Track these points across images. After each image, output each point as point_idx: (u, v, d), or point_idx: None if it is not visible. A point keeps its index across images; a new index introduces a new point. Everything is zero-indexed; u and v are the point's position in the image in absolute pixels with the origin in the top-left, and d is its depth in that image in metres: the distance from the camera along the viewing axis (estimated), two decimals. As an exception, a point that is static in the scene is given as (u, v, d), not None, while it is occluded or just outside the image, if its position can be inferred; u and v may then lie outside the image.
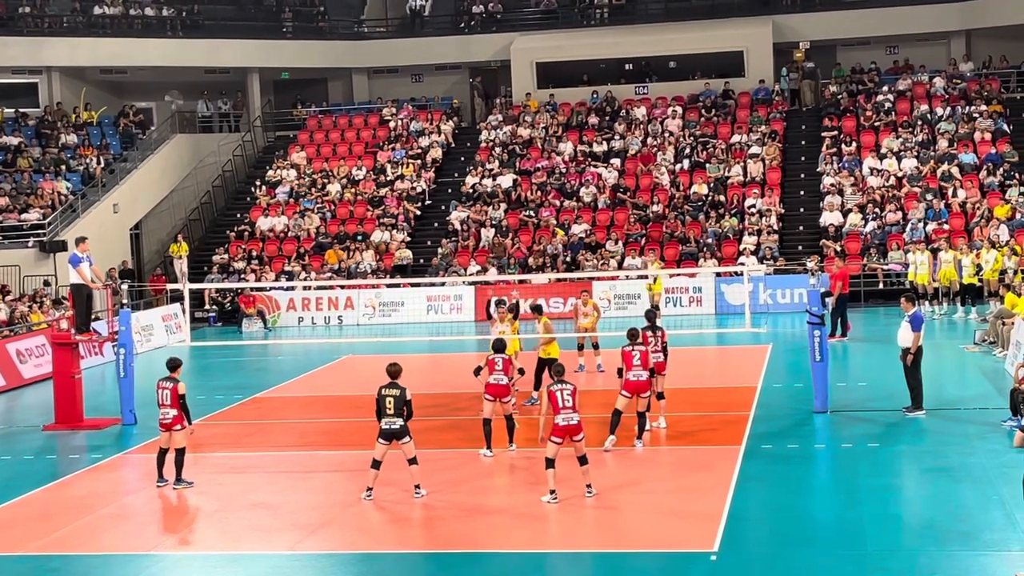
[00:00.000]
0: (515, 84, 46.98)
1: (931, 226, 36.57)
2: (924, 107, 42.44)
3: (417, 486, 16.72)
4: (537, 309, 22.99)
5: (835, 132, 42.08)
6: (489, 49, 48.11)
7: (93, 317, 24.80)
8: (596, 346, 25.57)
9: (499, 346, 19.22)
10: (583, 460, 16.25)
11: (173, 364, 17.94)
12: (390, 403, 16.44)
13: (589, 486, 16.30)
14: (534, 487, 16.97)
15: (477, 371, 19.37)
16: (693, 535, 14.77)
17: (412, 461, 16.62)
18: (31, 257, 37.32)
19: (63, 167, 42.01)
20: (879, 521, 14.91)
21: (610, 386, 20.74)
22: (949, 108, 41.98)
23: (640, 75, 46.96)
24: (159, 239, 44.72)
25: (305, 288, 37.76)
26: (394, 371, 16.69)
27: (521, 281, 36.42)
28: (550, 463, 16.11)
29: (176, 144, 45.79)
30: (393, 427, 16.45)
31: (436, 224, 41.83)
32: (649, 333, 19.68)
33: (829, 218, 38.08)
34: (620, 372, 18.73)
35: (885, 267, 36.04)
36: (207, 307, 38.47)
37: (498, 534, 15.38)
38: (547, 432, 16.43)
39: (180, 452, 17.73)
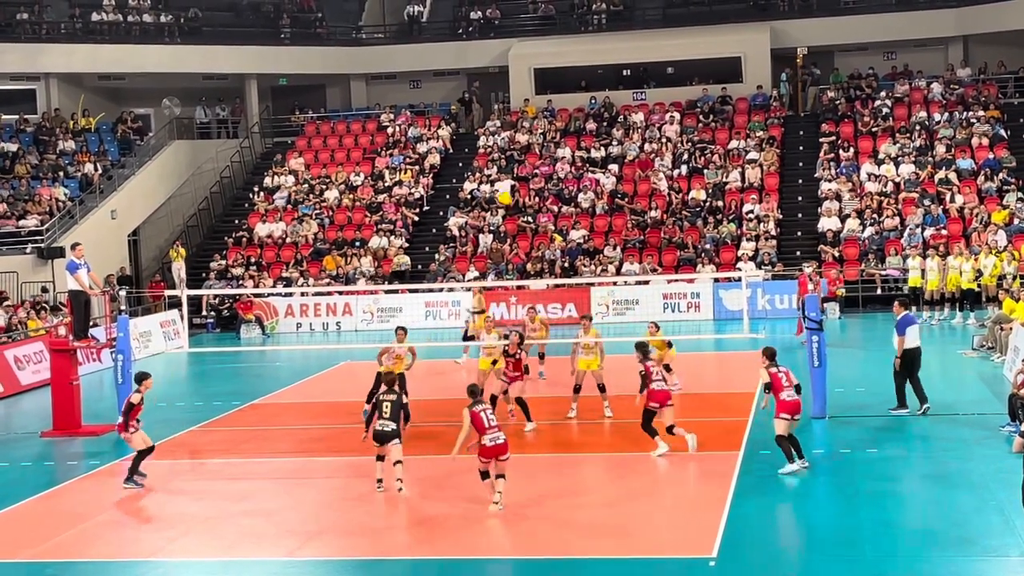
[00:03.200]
0: (513, 90, 47.00)
1: (929, 231, 36.59)
2: (922, 113, 42.47)
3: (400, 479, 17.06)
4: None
5: (833, 137, 42.12)
6: (487, 55, 48.14)
7: (91, 323, 24.77)
8: (542, 356, 25.92)
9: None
10: (501, 476, 16.05)
11: (138, 377, 18.85)
12: (387, 407, 17.04)
13: (499, 493, 16.08)
14: (531, 493, 16.96)
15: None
16: (692, 541, 14.74)
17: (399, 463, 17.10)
18: (29, 263, 37.31)
19: (61, 173, 42.01)
20: (877, 527, 14.90)
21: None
22: (947, 114, 42.02)
23: (638, 81, 47.00)
24: (157, 245, 44.72)
25: (303, 294, 37.74)
26: (392, 380, 17.51)
27: (519, 287, 36.47)
28: (484, 475, 16.18)
29: (174, 150, 45.80)
30: (384, 429, 17.01)
31: (434, 230, 41.84)
32: (651, 363, 18.91)
33: (827, 224, 38.10)
34: (767, 387, 17.75)
35: (883, 272, 36.06)
36: (205, 313, 38.44)
37: (496, 540, 15.36)
38: (462, 449, 16.20)
39: (139, 454, 18.42)
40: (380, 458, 17.24)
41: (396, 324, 24.50)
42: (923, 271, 33.92)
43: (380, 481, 17.26)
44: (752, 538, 14.96)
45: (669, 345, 23.51)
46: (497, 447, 15.86)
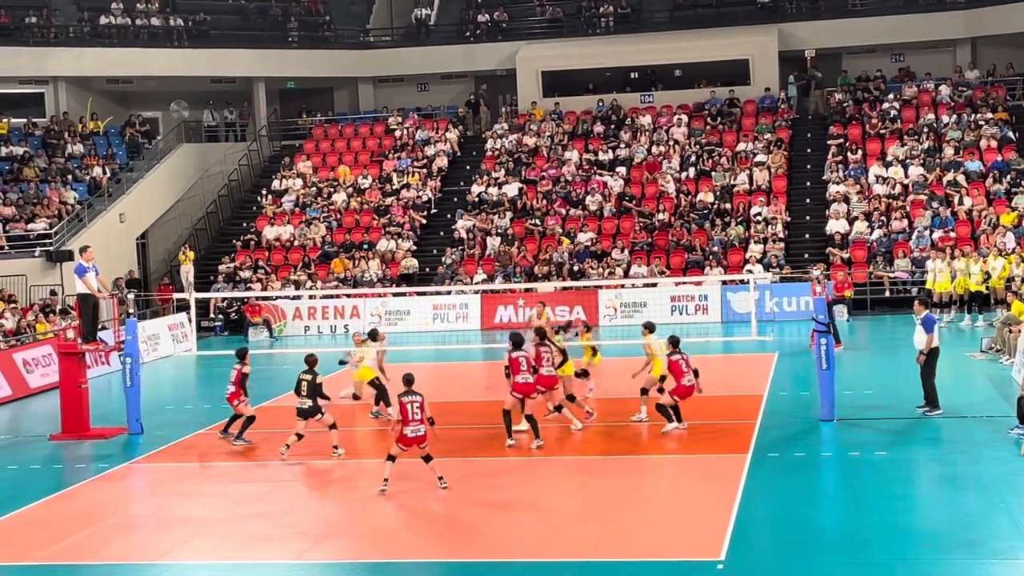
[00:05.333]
0: (521, 93, 47.02)
1: (937, 234, 36.54)
2: (930, 115, 42.41)
3: (335, 446, 19.87)
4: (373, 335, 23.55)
5: (841, 140, 42.08)
6: (494, 58, 48.17)
7: (99, 327, 24.81)
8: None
9: (517, 340, 20.15)
10: (427, 458, 17.26)
11: (241, 353, 21.45)
12: (304, 386, 19.65)
13: (441, 478, 17.25)
14: (540, 495, 16.99)
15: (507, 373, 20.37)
16: (700, 543, 14.74)
17: (333, 427, 20.01)
18: (37, 266, 37.39)
19: (69, 177, 42.10)
20: (886, 529, 14.88)
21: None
22: (955, 116, 41.96)
23: (645, 83, 46.99)
24: (165, 248, 44.80)
25: (311, 297, 37.79)
26: (311, 360, 20.00)
27: (527, 290, 36.49)
28: (392, 458, 17.28)
29: (182, 153, 45.89)
30: (303, 407, 19.69)
31: (442, 233, 41.86)
32: (543, 348, 20.39)
33: (835, 226, 38.06)
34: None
35: (891, 275, 36.01)
36: (213, 316, 38.49)
37: (504, 542, 15.36)
38: (396, 438, 17.30)
39: (247, 419, 21.03)
40: (299, 436, 19.79)
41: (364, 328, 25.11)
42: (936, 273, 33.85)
43: (288, 446, 19.74)
44: (760, 540, 14.97)
45: (594, 352, 23.52)
46: (417, 438, 17.05)
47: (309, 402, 19.70)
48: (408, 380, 17.31)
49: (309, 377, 19.74)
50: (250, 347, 35.03)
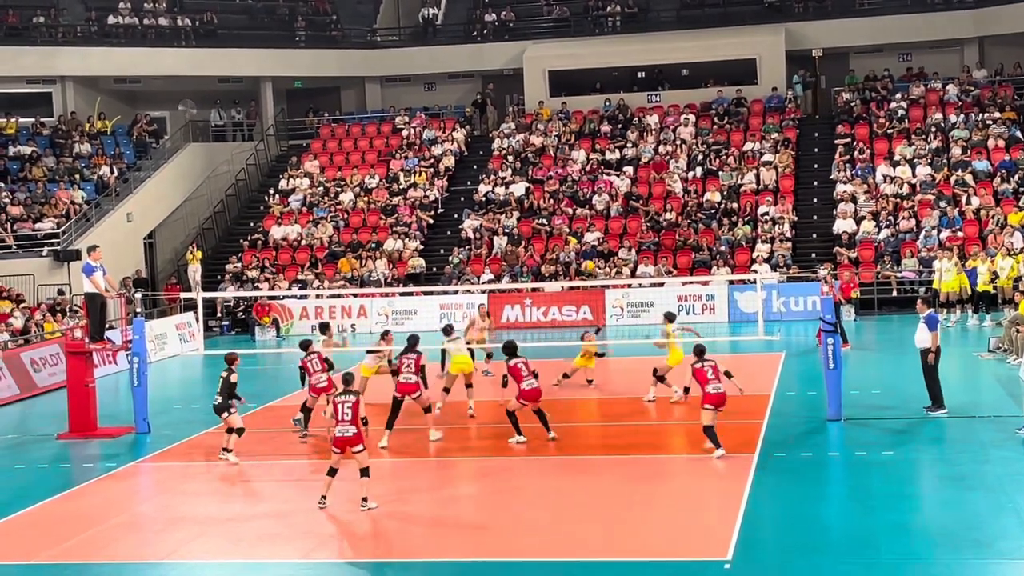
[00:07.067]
0: (527, 92, 47.01)
1: (945, 233, 36.49)
2: (937, 114, 42.34)
3: (228, 449, 19.90)
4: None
5: (848, 139, 42.04)
6: (501, 58, 48.18)
7: (107, 326, 24.84)
8: (490, 355, 26.85)
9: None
10: (363, 472, 16.63)
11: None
12: (220, 383, 19.91)
13: (365, 499, 16.58)
14: (545, 494, 16.99)
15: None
16: (706, 543, 14.73)
17: (239, 431, 19.99)
18: (45, 266, 37.45)
19: (77, 176, 42.16)
20: (893, 529, 14.87)
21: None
22: (962, 115, 41.88)
23: (652, 83, 46.96)
24: (173, 248, 44.83)
25: (318, 296, 37.81)
26: (231, 359, 20.23)
27: (534, 289, 36.48)
28: (332, 471, 16.82)
29: (189, 153, 45.93)
30: (214, 403, 20.04)
31: (449, 232, 41.87)
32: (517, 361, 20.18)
33: (842, 226, 38.02)
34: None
35: (898, 275, 35.96)
36: (220, 316, 38.52)
37: (511, 542, 15.36)
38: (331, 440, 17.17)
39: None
40: (231, 431, 20.07)
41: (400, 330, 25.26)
42: (940, 273, 33.79)
43: (225, 450, 20.01)
44: (767, 540, 14.96)
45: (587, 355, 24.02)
46: (345, 439, 16.54)
47: (219, 399, 19.96)
48: (346, 380, 17.22)
49: (224, 375, 20.01)
50: (257, 347, 35.48)
